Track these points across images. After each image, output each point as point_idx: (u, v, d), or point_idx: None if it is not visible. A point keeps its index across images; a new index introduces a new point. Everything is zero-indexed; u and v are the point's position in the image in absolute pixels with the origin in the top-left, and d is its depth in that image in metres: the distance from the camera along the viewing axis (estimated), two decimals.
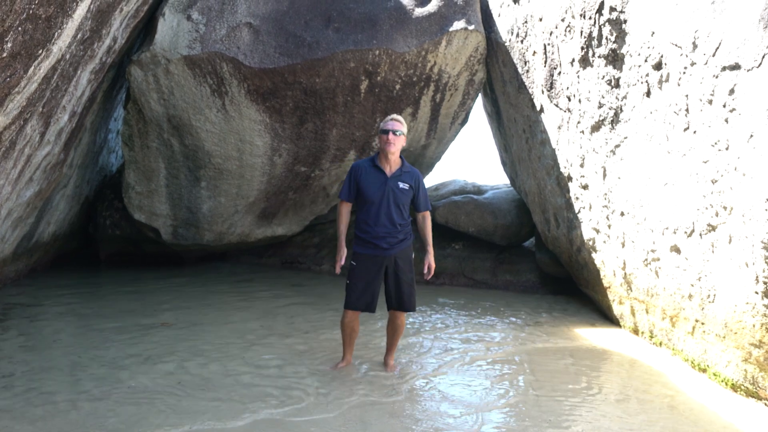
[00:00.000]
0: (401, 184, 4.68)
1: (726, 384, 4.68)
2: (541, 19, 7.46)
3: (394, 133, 4.59)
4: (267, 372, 4.92)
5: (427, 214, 4.92)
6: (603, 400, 4.54)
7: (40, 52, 4.07)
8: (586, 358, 5.58)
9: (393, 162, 4.71)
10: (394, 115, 4.70)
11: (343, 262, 4.80)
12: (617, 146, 6.12)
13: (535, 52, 7.72)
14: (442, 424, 3.99)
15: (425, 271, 4.88)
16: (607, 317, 7.14)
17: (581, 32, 6.48)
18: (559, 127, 7.32)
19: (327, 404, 4.24)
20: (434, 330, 6.48)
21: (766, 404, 4.32)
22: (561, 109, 7.20)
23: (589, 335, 6.39)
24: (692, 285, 5.01)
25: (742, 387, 4.51)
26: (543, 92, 7.59)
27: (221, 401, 4.25)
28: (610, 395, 4.65)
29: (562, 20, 6.89)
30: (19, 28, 3.63)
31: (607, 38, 6.04)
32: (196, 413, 4.03)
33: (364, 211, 4.72)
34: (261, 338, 5.97)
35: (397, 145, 4.62)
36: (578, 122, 6.82)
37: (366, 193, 4.67)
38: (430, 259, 4.87)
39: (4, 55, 3.66)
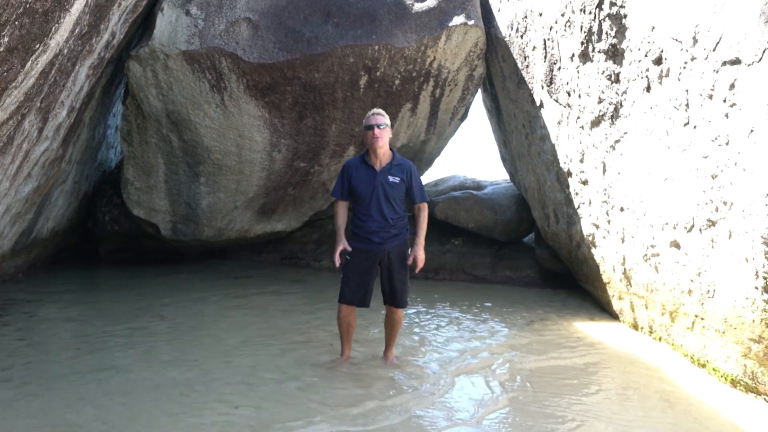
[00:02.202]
0: (391, 178, 4.66)
1: (725, 379, 4.68)
2: (540, 14, 7.44)
3: (378, 127, 4.59)
4: (265, 367, 4.91)
5: (424, 206, 4.81)
6: (602, 395, 4.54)
7: (38, 46, 4.05)
8: (585, 353, 5.58)
9: (382, 156, 4.71)
10: (375, 109, 4.70)
11: (341, 249, 4.71)
12: (617, 141, 6.11)
13: (534, 47, 7.70)
14: (441, 419, 3.98)
15: (409, 262, 4.79)
16: (607, 312, 7.14)
17: (581, 27, 6.46)
18: (559, 123, 7.31)
19: (325, 399, 4.24)
20: (433, 325, 6.47)
21: (765, 399, 4.32)
22: (561, 104, 7.19)
23: (589, 330, 6.39)
24: (692, 280, 5.00)
25: (742, 382, 4.50)
26: (543, 87, 7.57)
27: (221, 395, 4.25)
28: (609, 390, 4.65)
29: (562, 15, 6.87)
30: (16, 23, 3.62)
31: (607, 33, 6.02)
32: (197, 409, 4.03)
33: (357, 207, 4.77)
34: (260, 333, 5.96)
35: (384, 138, 4.62)
36: (578, 117, 6.81)
37: (357, 190, 4.70)
38: (417, 251, 4.71)
39: (1, 49, 3.64)
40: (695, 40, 4.69)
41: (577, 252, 7.48)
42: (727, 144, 4.36)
